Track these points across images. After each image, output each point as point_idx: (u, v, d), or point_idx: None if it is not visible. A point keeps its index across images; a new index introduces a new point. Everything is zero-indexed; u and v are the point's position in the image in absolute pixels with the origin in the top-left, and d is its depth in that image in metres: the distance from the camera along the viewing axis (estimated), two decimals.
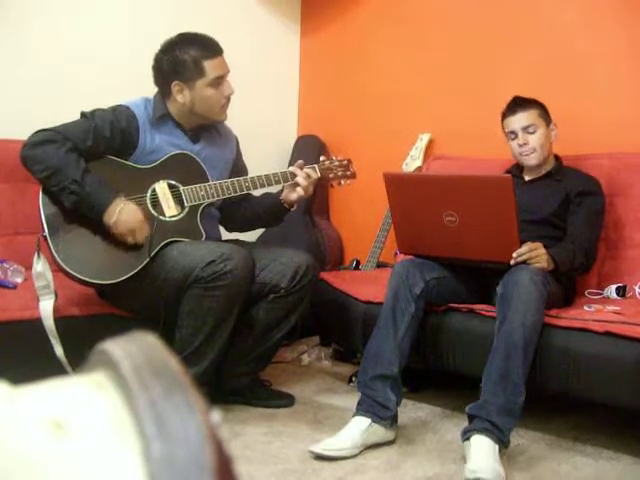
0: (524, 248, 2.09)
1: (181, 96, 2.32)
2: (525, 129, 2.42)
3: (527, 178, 2.52)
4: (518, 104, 2.45)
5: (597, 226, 2.40)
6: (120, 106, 2.32)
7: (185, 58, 2.28)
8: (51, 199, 2.20)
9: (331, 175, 2.51)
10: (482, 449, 1.86)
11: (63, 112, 2.29)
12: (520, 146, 2.43)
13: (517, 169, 2.56)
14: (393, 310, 2.16)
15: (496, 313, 2.05)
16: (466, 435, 1.93)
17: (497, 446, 1.87)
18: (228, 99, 2.37)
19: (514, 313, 1.95)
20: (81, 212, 2.17)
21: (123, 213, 2.17)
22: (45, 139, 2.16)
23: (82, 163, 2.17)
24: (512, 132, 2.45)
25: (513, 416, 1.92)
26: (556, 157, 2.54)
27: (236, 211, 2.57)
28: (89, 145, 2.21)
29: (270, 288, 2.33)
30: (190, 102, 2.33)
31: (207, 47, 2.31)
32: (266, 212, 2.55)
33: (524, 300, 1.96)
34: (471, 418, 1.96)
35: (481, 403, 1.94)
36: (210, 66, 2.30)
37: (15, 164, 2.27)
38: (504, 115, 2.49)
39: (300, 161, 2.46)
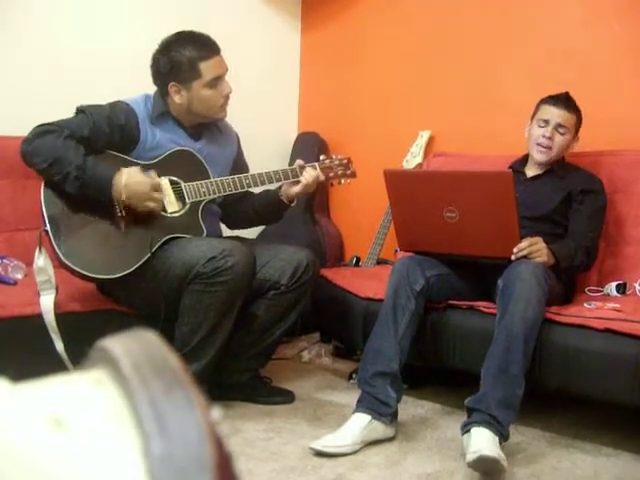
0: (524, 243, 2.10)
1: (178, 97, 2.31)
2: (559, 127, 2.40)
3: (529, 174, 2.52)
4: (566, 101, 2.42)
5: (599, 224, 2.40)
6: (119, 102, 2.32)
7: (181, 60, 2.27)
8: (53, 194, 2.19)
9: (331, 174, 2.51)
10: (483, 437, 1.86)
11: (63, 109, 2.28)
12: (544, 136, 2.41)
13: (520, 164, 2.56)
14: (393, 307, 2.16)
15: (496, 307, 2.05)
16: (466, 428, 1.93)
17: (497, 438, 1.87)
18: (227, 98, 2.36)
19: (515, 306, 1.96)
20: (87, 195, 2.16)
21: (130, 185, 2.16)
22: (42, 131, 2.17)
23: (81, 148, 2.17)
24: (545, 121, 2.42)
25: (512, 409, 1.92)
26: None
27: (237, 208, 2.56)
28: (86, 135, 2.21)
29: (270, 285, 2.34)
30: (188, 102, 2.32)
31: (203, 47, 2.30)
32: (266, 208, 2.55)
33: (525, 294, 1.96)
34: (470, 411, 1.96)
35: (480, 396, 1.94)
36: (206, 67, 2.29)
37: (15, 160, 2.27)
38: (546, 102, 2.45)
39: (300, 161, 2.46)
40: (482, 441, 1.84)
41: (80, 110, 2.27)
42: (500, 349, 1.95)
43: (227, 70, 2.36)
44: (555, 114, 2.41)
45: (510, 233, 2.10)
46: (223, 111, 2.39)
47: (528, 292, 1.97)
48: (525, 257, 2.09)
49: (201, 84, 2.30)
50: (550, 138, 2.40)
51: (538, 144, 2.43)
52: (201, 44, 2.30)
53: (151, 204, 2.21)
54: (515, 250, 2.09)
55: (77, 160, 2.13)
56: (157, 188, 2.23)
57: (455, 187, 2.14)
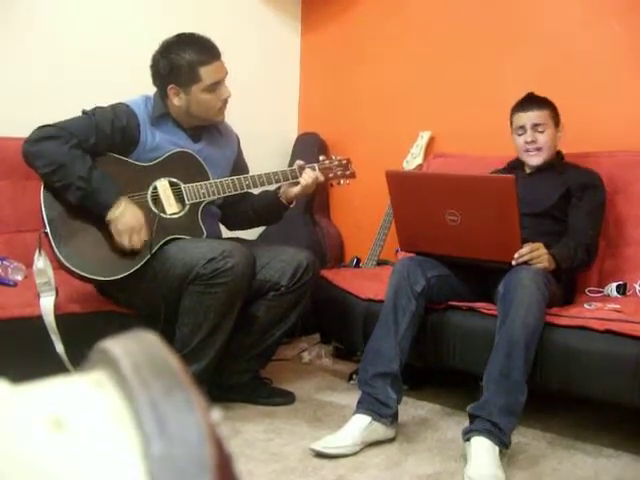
0: (525, 249, 2.09)
1: (177, 99, 2.32)
2: (535, 127, 2.41)
3: (528, 171, 2.52)
4: (532, 101, 2.43)
5: (598, 220, 2.40)
6: (120, 104, 2.32)
7: (181, 63, 2.27)
8: (52, 196, 2.19)
9: (331, 174, 2.51)
10: (482, 453, 1.85)
11: (63, 109, 2.28)
12: (527, 143, 2.42)
13: (519, 161, 2.56)
14: (394, 308, 2.15)
15: (497, 313, 2.05)
16: (467, 435, 1.93)
17: (497, 448, 1.87)
18: (225, 102, 2.36)
19: (515, 313, 1.95)
20: (85, 206, 2.17)
21: (125, 213, 2.17)
22: (48, 135, 2.16)
23: (88, 159, 2.17)
24: (521, 127, 2.43)
25: (514, 416, 1.92)
26: (557, 152, 2.54)
27: (236, 209, 2.57)
28: (93, 142, 2.21)
29: (270, 286, 2.34)
30: (186, 105, 2.32)
31: (204, 52, 2.29)
32: (265, 209, 2.55)
33: (525, 301, 1.96)
34: (472, 418, 1.95)
35: (482, 403, 1.94)
36: (206, 72, 2.29)
37: (16, 161, 2.27)
38: (515, 109, 2.47)
39: (299, 161, 2.46)
40: (481, 463, 1.83)
41: (84, 112, 2.27)
42: (501, 355, 1.94)
43: (227, 74, 2.36)
44: (526, 118, 2.42)
45: (511, 238, 2.09)
46: (221, 115, 2.39)
47: (529, 298, 1.96)
48: (526, 263, 2.08)
49: (200, 88, 2.30)
50: (534, 141, 2.41)
51: (526, 150, 2.44)
52: (202, 48, 2.30)
53: (126, 240, 2.17)
54: (516, 256, 2.08)
55: (82, 172, 2.13)
56: (142, 233, 2.20)
57: (457, 190, 2.14)
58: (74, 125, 2.21)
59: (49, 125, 2.19)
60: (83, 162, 2.15)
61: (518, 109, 2.46)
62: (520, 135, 2.44)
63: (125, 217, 2.17)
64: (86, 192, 2.13)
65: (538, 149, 2.42)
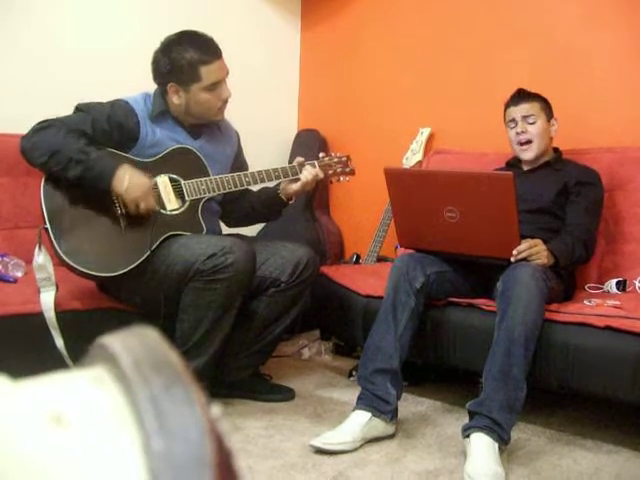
0: (524, 245, 2.09)
1: (176, 97, 2.31)
2: (525, 118, 2.45)
3: (526, 168, 2.54)
4: (521, 95, 2.48)
5: (596, 216, 2.40)
6: (119, 101, 2.32)
7: (182, 62, 2.26)
8: (53, 191, 2.19)
9: (330, 171, 2.51)
10: (481, 450, 1.85)
11: (63, 107, 2.28)
12: (518, 134, 2.45)
13: (517, 159, 2.57)
14: (393, 304, 2.16)
15: (496, 309, 2.05)
16: (466, 432, 1.93)
17: (497, 444, 1.87)
18: (225, 102, 2.36)
19: (514, 310, 1.95)
20: (87, 181, 2.14)
21: (134, 178, 2.15)
22: (42, 127, 2.16)
23: (82, 140, 2.16)
24: (512, 120, 2.47)
25: (514, 412, 1.92)
26: (555, 150, 2.55)
27: (236, 206, 2.57)
28: (88, 132, 2.20)
29: (270, 282, 2.34)
30: (185, 104, 2.32)
31: (205, 51, 2.28)
32: (264, 206, 2.55)
33: (524, 297, 1.96)
34: (472, 414, 1.95)
35: (482, 399, 1.94)
36: (207, 72, 2.28)
37: (16, 158, 2.27)
38: (507, 105, 2.52)
39: (299, 158, 2.46)
40: (480, 460, 1.83)
41: (79, 108, 2.27)
42: (501, 352, 1.94)
43: (228, 74, 2.35)
44: (516, 111, 2.47)
45: (510, 234, 2.09)
46: (220, 114, 2.39)
47: (528, 295, 1.96)
48: (525, 259, 2.08)
49: (200, 87, 2.29)
50: (524, 132, 2.45)
51: (518, 143, 2.47)
52: (203, 47, 2.29)
53: (143, 205, 2.18)
54: (515, 252, 2.08)
55: (79, 146, 2.12)
56: (147, 201, 2.20)
57: (456, 187, 2.14)
58: (69, 119, 2.22)
59: (43, 121, 2.18)
60: (78, 141, 2.14)
61: (509, 104, 2.51)
62: (512, 128, 2.49)
63: (134, 183, 2.15)
64: (86, 164, 2.11)
65: (529, 141, 2.45)
